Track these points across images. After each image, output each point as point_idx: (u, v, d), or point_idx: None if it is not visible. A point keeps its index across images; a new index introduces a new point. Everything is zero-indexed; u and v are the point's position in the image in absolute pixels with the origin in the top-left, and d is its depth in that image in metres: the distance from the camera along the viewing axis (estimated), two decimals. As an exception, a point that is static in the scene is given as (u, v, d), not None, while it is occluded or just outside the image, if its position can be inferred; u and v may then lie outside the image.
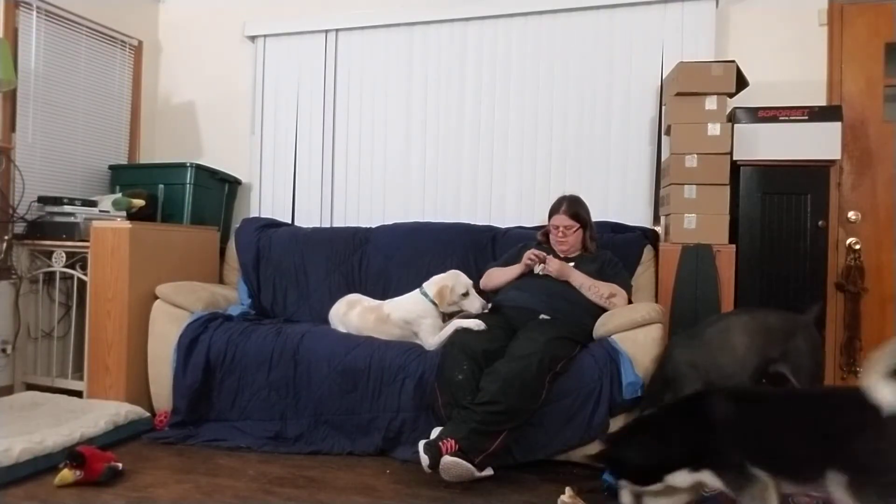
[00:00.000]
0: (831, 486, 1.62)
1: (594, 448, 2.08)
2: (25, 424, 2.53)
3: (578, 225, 2.84)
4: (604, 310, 2.71)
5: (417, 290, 2.85)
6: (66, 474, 2.21)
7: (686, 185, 2.88)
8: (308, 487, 2.28)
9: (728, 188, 2.86)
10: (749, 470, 1.74)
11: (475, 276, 3.00)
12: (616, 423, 2.42)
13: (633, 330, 2.51)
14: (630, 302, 2.82)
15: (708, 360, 2.31)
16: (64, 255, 3.24)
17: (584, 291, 2.72)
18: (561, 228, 2.83)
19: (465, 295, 2.77)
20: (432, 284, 2.81)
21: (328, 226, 3.83)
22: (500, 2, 3.56)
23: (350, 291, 3.20)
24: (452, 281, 2.78)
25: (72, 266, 3.25)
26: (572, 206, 2.85)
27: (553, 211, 2.88)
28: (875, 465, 1.59)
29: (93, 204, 3.36)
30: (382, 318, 2.86)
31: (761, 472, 1.73)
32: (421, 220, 3.55)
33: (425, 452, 2.19)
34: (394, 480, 2.35)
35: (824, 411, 1.75)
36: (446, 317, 2.82)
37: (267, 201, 3.97)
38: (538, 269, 2.76)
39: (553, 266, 2.72)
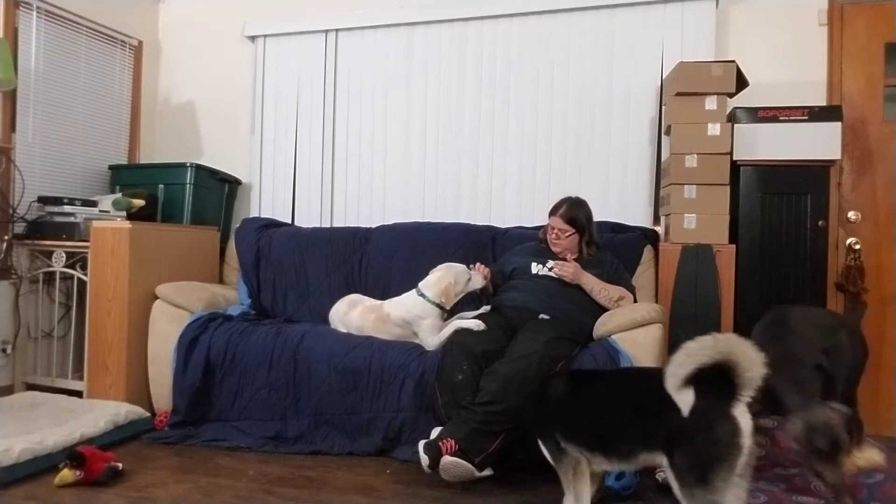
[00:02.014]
0: (657, 465, 1.70)
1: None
2: (25, 424, 2.53)
3: (574, 230, 2.81)
4: (604, 310, 2.71)
5: (413, 290, 2.84)
6: (66, 474, 2.21)
7: (686, 185, 2.88)
8: (308, 487, 2.28)
9: (728, 188, 2.86)
10: (562, 444, 1.92)
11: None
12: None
13: (633, 330, 2.51)
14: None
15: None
16: (64, 255, 3.24)
17: (594, 294, 2.72)
18: (556, 230, 2.82)
19: (468, 280, 2.80)
20: (430, 286, 2.78)
21: (328, 226, 3.83)
22: (500, 2, 3.56)
23: (350, 291, 3.20)
24: (452, 276, 2.77)
25: (72, 266, 3.25)
26: (570, 211, 2.82)
27: (552, 211, 2.87)
28: (690, 447, 1.63)
29: (93, 204, 3.36)
30: (382, 318, 2.85)
31: (574, 448, 1.90)
32: (421, 221, 3.55)
33: (425, 452, 2.19)
34: (394, 480, 2.35)
35: (643, 392, 1.78)
36: (446, 315, 2.82)
37: (267, 201, 3.97)
38: (539, 269, 2.75)
39: (568, 269, 2.71)
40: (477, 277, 2.80)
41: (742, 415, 1.60)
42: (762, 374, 1.58)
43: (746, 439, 1.58)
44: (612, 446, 1.84)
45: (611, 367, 2.42)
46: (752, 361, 1.57)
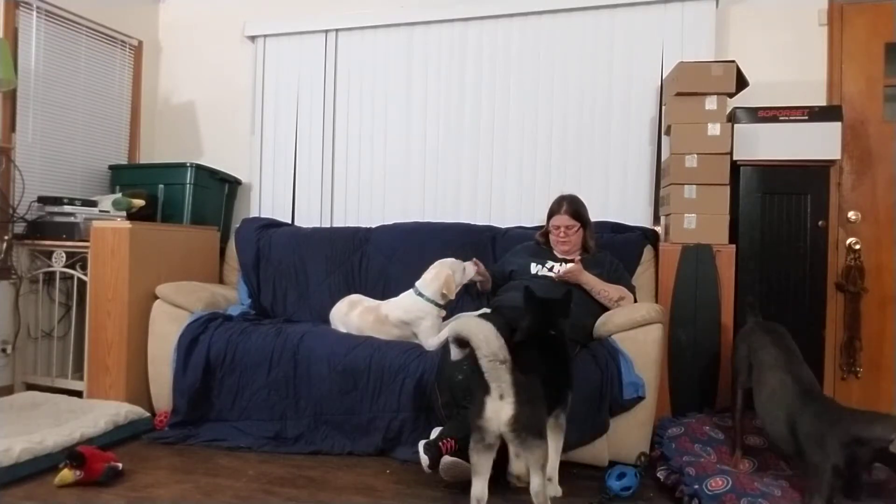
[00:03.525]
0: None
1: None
2: (25, 424, 2.53)
3: (580, 224, 2.83)
4: (604, 309, 2.71)
5: (411, 290, 2.84)
6: (66, 474, 2.21)
7: (686, 185, 2.88)
8: (308, 487, 2.28)
9: (728, 188, 2.86)
10: None
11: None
12: (616, 423, 2.43)
13: (634, 330, 2.51)
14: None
15: None
16: (64, 255, 3.24)
17: (594, 294, 2.72)
18: (563, 228, 2.83)
19: (463, 270, 2.86)
20: (428, 285, 2.79)
21: (328, 226, 3.83)
22: (500, 2, 3.56)
23: (350, 291, 3.20)
24: (449, 268, 2.79)
25: (72, 266, 3.25)
26: (573, 206, 2.84)
27: (553, 211, 2.88)
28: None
29: (93, 204, 3.36)
30: (381, 319, 2.85)
31: None
32: (421, 220, 3.55)
33: (425, 452, 2.18)
34: (394, 480, 2.35)
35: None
36: (444, 315, 2.82)
37: (267, 201, 3.97)
38: (538, 270, 2.75)
39: (566, 270, 2.71)
40: (470, 267, 2.86)
41: (495, 404, 1.85)
42: (502, 358, 1.82)
43: (487, 423, 1.84)
44: None
45: (611, 366, 2.42)
46: (484, 341, 1.82)
